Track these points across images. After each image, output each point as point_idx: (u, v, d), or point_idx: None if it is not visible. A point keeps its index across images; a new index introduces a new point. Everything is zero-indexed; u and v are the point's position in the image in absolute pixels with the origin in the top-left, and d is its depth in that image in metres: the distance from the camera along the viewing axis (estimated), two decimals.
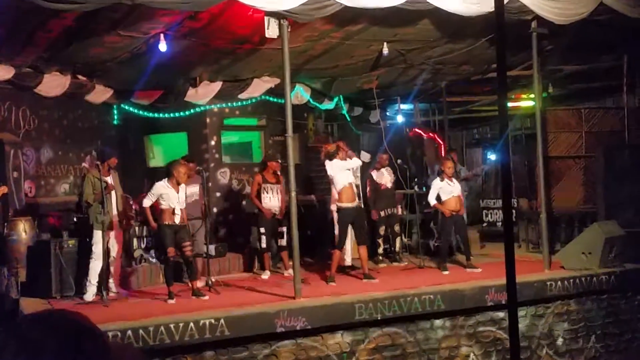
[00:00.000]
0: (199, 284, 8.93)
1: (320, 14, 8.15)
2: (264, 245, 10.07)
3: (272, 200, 10.04)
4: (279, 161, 10.12)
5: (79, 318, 1.35)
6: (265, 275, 10.08)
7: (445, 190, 10.01)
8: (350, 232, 9.71)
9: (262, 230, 10.03)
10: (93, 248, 8.59)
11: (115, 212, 8.79)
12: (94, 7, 7.06)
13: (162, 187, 8.65)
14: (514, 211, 12.01)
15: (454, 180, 10.11)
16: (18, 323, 1.31)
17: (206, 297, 8.46)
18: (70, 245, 9.01)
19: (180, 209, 8.64)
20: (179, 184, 8.65)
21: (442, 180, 10.09)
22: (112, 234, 8.77)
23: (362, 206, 9.66)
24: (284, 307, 7.65)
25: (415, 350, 8.19)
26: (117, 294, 8.80)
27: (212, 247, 10.05)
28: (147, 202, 8.73)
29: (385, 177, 11.01)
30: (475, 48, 10.61)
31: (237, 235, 11.69)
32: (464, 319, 8.51)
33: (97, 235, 8.57)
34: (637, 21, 9.63)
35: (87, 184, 8.70)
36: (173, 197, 8.59)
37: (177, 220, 8.59)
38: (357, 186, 9.57)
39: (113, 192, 8.75)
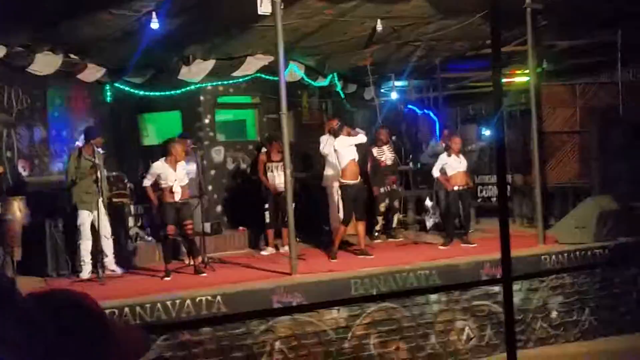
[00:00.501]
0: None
1: None
2: (267, 220, 10.15)
3: (276, 178, 10.08)
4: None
5: (82, 298, 1.34)
6: (266, 251, 10.10)
7: (452, 166, 10.05)
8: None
9: (266, 206, 10.11)
10: (80, 228, 8.59)
11: (101, 191, 8.73)
12: None
13: (159, 166, 8.65)
14: (508, 186, 12.07)
15: (461, 156, 10.13)
16: (17, 303, 1.28)
17: (205, 274, 8.49)
18: (65, 224, 9.01)
19: (181, 187, 8.63)
20: (177, 161, 8.64)
21: (449, 155, 10.10)
22: (100, 213, 8.72)
23: (363, 183, 9.68)
24: (280, 284, 7.70)
25: (411, 325, 8.26)
26: (113, 272, 8.81)
27: (207, 225, 10.07)
28: (146, 182, 8.74)
29: (386, 154, 11.02)
30: (469, 24, 10.57)
31: (234, 213, 11.70)
32: (459, 294, 8.58)
33: (83, 215, 8.56)
34: None
35: (70, 162, 8.67)
36: (171, 175, 8.59)
37: (177, 197, 8.58)
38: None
39: (98, 172, 8.70)
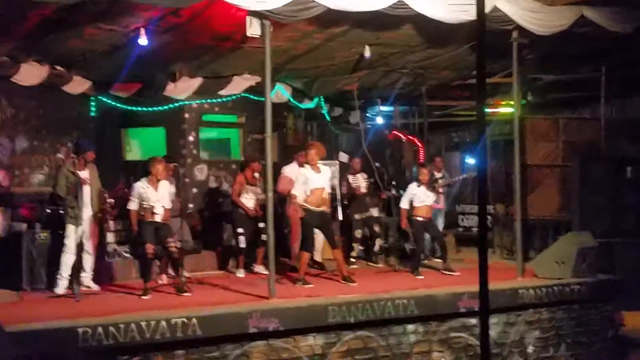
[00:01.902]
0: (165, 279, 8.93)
1: (303, 16, 8.13)
2: (242, 245, 10.07)
3: (250, 200, 10.09)
4: (261, 162, 10.13)
5: None
6: (240, 273, 10.06)
7: (420, 197, 10.04)
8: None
9: (241, 230, 10.05)
10: (65, 241, 8.51)
11: (89, 206, 8.68)
12: (74, 1, 6.96)
13: (140, 187, 8.60)
14: (489, 217, 12.12)
15: (430, 189, 10.13)
16: None
17: (189, 294, 8.42)
18: (43, 237, 8.93)
19: (163, 207, 8.55)
20: (157, 180, 8.57)
21: (419, 186, 10.11)
22: (85, 228, 8.66)
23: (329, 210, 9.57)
24: (257, 308, 7.62)
25: (387, 355, 8.20)
26: (89, 288, 8.71)
27: (187, 243, 9.98)
28: (131, 205, 8.64)
29: (359, 182, 11.13)
30: (456, 54, 10.66)
31: (212, 232, 11.63)
32: (437, 325, 8.54)
33: (70, 229, 8.48)
34: (616, 34, 9.75)
35: (60, 176, 8.60)
36: (152, 196, 8.53)
37: (157, 218, 8.51)
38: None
39: (87, 187, 8.63)
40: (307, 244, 9.30)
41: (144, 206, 8.53)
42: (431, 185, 10.27)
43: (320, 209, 9.19)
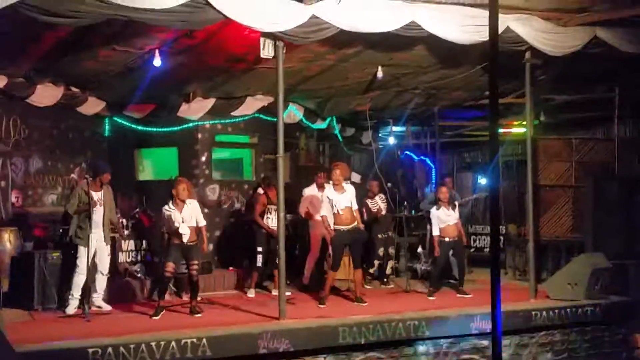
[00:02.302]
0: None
1: (316, 37, 8.17)
2: (259, 264, 10.07)
3: (273, 220, 10.03)
4: (273, 183, 10.16)
5: None
6: (251, 293, 10.03)
7: (441, 219, 9.98)
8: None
9: (260, 249, 10.04)
10: (77, 262, 8.54)
11: (101, 227, 8.70)
12: (89, 22, 7.05)
13: (165, 210, 8.65)
14: (501, 237, 12.05)
15: (450, 208, 10.06)
16: None
17: (200, 315, 8.43)
18: (55, 257, 8.96)
19: (189, 227, 8.55)
20: (181, 201, 8.60)
21: (438, 208, 10.06)
22: (100, 248, 8.69)
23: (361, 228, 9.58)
24: (268, 329, 7.60)
25: None
26: (99, 309, 8.73)
27: None
28: (165, 228, 8.76)
29: (378, 205, 11.11)
30: (469, 75, 10.67)
31: (226, 252, 11.65)
32: (448, 346, 8.48)
33: (80, 250, 8.52)
34: (629, 54, 9.73)
35: (74, 195, 8.66)
36: (177, 218, 8.55)
37: (184, 239, 8.51)
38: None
39: (100, 208, 8.67)
40: (336, 264, 9.29)
41: (172, 228, 8.56)
42: (450, 203, 10.18)
43: (351, 226, 9.21)
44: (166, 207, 8.66)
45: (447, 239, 9.95)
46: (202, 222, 8.79)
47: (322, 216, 9.38)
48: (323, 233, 9.80)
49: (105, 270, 8.81)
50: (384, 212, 11.11)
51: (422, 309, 8.81)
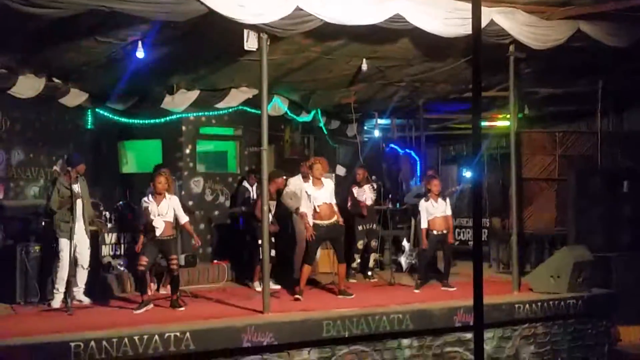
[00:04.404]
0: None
1: (300, 29, 8.14)
2: (261, 257, 9.96)
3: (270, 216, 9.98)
4: (284, 177, 10.10)
5: None
6: (258, 286, 9.78)
7: (429, 211, 9.96)
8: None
9: (260, 242, 9.95)
10: (60, 255, 8.48)
11: (82, 220, 8.64)
12: (70, 13, 6.97)
13: (144, 202, 8.57)
14: (485, 230, 12.10)
15: (440, 200, 10.04)
16: None
17: (182, 309, 8.37)
18: (37, 250, 8.88)
19: (164, 221, 8.44)
20: (160, 194, 8.52)
21: (427, 200, 10.04)
22: (81, 242, 8.63)
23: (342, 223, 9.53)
24: (252, 322, 7.59)
25: None
26: (81, 302, 8.67)
27: (182, 257, 9.97)
28: (142, 221, 8.59)
29: (366, 194, 10.95)
30: (453, 68, 10.68)
31: (210, 246, 11.62)
32: (432, 339, 8.51)
33: (63, 243, 8.45)
34: (612, 48, 9.77)
35: (55, 191, 8.58)
36: (153, 211, 8.45)
37: (157, 233, 8.40)
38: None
39: (79, 201, 8.60)
40: (310, 257, 9.26)
41: (147, 221, 8.46)
42: (440, 196, 10.12)
43: (330, 221, 9.16)
44: (145, 198, 8.58)
45: (435, 232, 9.94)
46: (184, 219, 8.69)
47: (300, 212, 9.34)
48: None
49: (85, 263, 8.75)
50: (369, 203, 10.96)
51: (406, 302, 8.83)
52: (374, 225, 11.07)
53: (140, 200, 8.74)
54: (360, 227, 10.89)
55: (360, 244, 10.91)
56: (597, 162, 11.98)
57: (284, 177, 10.21)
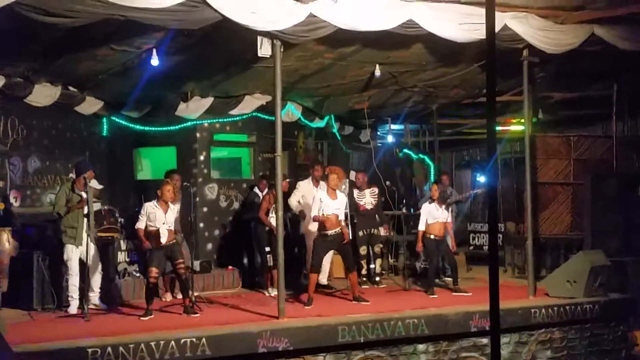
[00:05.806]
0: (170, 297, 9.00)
1: (313, 36, 8.17)
2: (270, 263, 9.97)
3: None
4: (287, 181, 10.13)
5: None
6: (273, 292, 9.69)
7: (432, 214, 9.97)
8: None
9: (268, 248, 9.99)
10: (67, 263, 8.52)
11: (86, 227, 8.63)
12: (86, 22, 7.04)
13: (150, 207, 8.55)
14: (500, 235, 12.06)
15: (441, 205, 10.03)
16: None
17: (197, 315, 8.39)
18: (53, 257, 8.92)
19: (167, 230, 8.47)
20: (166, 202, 8.56)
21: (430, 203, 10.05)
22: (89, 247, 8.66)
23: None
24: (267, 327, 7.61)
25: None
26: (96, 307, 8.72)
27: (196, 263, 10.00)
28: (138, 224, 8.54)
29: (366, 198, 10.84)
30: (467, 72, 10.67)
31: (225, 252, 11.64)
32: (447, 344, 8.49)
33: (68, 249, 8.51)
34: (627, 52, 9.73)
35: (59, 196, 8.63)
36: (159, 218, 8.47)
37: (163, 240, 8.44)
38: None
39: (86, 207, 8.63)
40: (316, 265, 9.26)
41: (151, 229, 8.48)
42: (443, 201, 10.14)
43: (335, 231, 9.11)
44: (151, 204, 8.55)
45: (432, 236, 9.92)
46: (174, 227, 8.67)
47: (313, 216, 9.28)
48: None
49: (98, 268, 8.78)
50: (368, 207, 10.79)
51: (421, 308, 8.82)
52: (376, 231, 10.89)
53: (144, 205, 8.69)
54: (360, 233, 10.77)
55: (362, 250, 10.80)
56: (613, 166, 11.91)
57: (287, 180, 10.19)
